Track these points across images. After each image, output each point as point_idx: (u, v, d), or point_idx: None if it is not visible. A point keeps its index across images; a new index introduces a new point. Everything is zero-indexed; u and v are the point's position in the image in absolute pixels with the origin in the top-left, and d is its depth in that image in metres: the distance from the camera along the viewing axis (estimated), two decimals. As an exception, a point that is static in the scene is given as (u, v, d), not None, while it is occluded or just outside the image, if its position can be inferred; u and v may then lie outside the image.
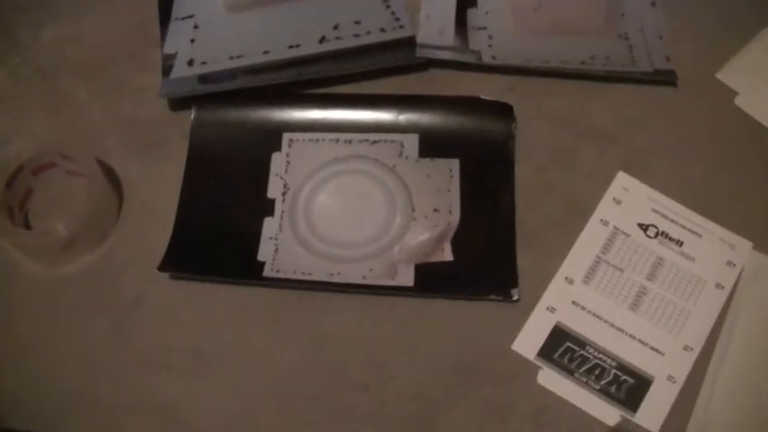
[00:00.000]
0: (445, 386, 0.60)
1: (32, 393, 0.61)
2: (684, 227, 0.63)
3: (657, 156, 0.66)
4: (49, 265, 0.65)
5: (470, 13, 0.72)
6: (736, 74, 0.70)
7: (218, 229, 0.65)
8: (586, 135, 0.67)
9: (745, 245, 0.63)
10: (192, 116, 0.69)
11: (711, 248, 0.63)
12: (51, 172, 0.67)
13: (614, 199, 0.64)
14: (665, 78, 0.69)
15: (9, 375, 0.61)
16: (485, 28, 0.71)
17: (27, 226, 0.67)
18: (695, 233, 0.63)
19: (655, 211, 0.64)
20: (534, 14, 0.71)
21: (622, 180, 0.65)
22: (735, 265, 0.62)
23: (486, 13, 0.72)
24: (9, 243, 0.65)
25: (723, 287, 0.61)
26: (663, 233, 0.63)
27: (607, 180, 0.65)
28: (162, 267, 0.62)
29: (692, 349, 0.59)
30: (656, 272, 0.62)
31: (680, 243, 0.63)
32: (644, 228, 0.63)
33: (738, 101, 0.68)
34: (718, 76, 0.70)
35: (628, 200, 0.64)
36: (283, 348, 0.61)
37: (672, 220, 0.63)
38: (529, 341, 0.60)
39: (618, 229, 0.63)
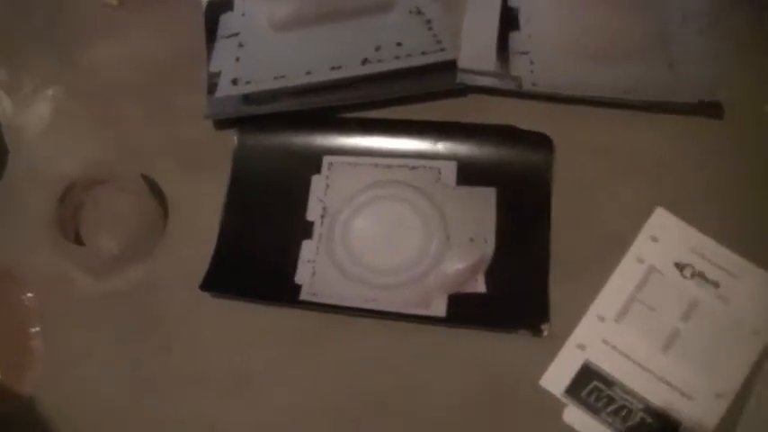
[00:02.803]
0: (472, 418, 0.60)
1: (78, 400, 0.63)
2: (722, 268, 0.62)
3: (699, 192, 0.65)
4: (98, 278, 0.67)
5: (513, 36, 0.71)
6: (788, 106, 0.68)
7: (258, 250, 0.67)
8: (626, 167, 0.66)
9: (785, 289, 0.62)
10: (236, 139, 0.70)
11: (749, 292, 0.61)
12: (101, 188, 0.70)
13: (651, 236, 0.63)
14: (710, 111, 0.67)
15: (57, 382, 0.64)
16: (527, 53, 0.70)
17: (78, 239, 0.69)
18: (733, 275, 0.62)
19: (692, 250, 0.63)
20: (578, 39, 0.70)
21: (661, 216, 0.64)
22: (773, 309, 0.61)
23: (529, 36, 0.70)
24: (62, 258, 0.67)
25: (760, 333, 0.60)
26: (699, 273, 0.62)
27: (645, 215, 0.64)
28: (203, 287, 0.65)
29: (723, 396, 0.58)
30: (690, 313, 0.61)
31: (717, 285, 0.62)
32: (680, 267, 0.62)
33: (789, 135, 0.67)
34: (768, 108, 0.68)
35: (665, 237, 0.63)
36: (319, 371, 0.63)
37: (710, 261, 0.62)
38: (557, 377, 0.60)
39: (654, 267, 0.63)
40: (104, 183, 0.69)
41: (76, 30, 0.78)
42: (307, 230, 0.67)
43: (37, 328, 0.65)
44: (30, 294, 0.66)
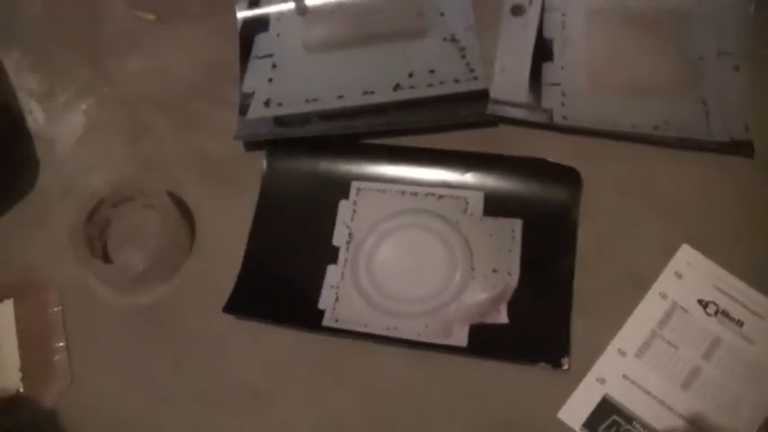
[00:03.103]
0: (489, 449, 0.61)
1: (97, 413, 0.64)
2: (747, 307, 0.62)
3: (725, 231, 0.65)
4: (124, 294, 0.68)
5: (546, 67, 0.71)
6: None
7: (283, 274, 0.67)
8: (653, 203, 0.66)
9: (810, 331, 0.61)
10: (265, 162, 0.71)
11: (775, 332, 0.61)
12: (129, 205, 0.71)
13: (676, 272, 0.63)
14: (741, 149, 0.66)
15: (78, 394, 0.65)
16: (559, 84, 0.70)
17: (105, 255, 0.70)
18: (758, 315, 0.62)
19: (717, 288, 0.63)
20: (610, 73, 0.70)
21: (686, 253, 0.64)
22: (797, 351, 0.61)
23: (562, 68, 0.71)
24: (88, 273, 0.68)
25: (782, 374, 0.60)
26: (723, 312, 0.62)
27: (670, 251, 0.64)
28: (226, 309, 0.65)
29: (743, 436, 0.59)
30: (712, 351, 0.61)
31: (740, 323, 0.62)
32: (704, 305, 0.62)
33: (819, 178, 0.66)
34: (800, 149, 0.67)
35: (690, 274, 0.63)
36: (335, 395, 0.63)
37: (734, 299, 0.62)
38: (575, 411, 0.60)
39: (677, 303, 0.63)
40: (132, 199, 0.70)
41: (112, 43, 0.80)
42: (332, 256, 0.68)
43: (62, 343, 0.66)
44: (56, 308, 0.67)
